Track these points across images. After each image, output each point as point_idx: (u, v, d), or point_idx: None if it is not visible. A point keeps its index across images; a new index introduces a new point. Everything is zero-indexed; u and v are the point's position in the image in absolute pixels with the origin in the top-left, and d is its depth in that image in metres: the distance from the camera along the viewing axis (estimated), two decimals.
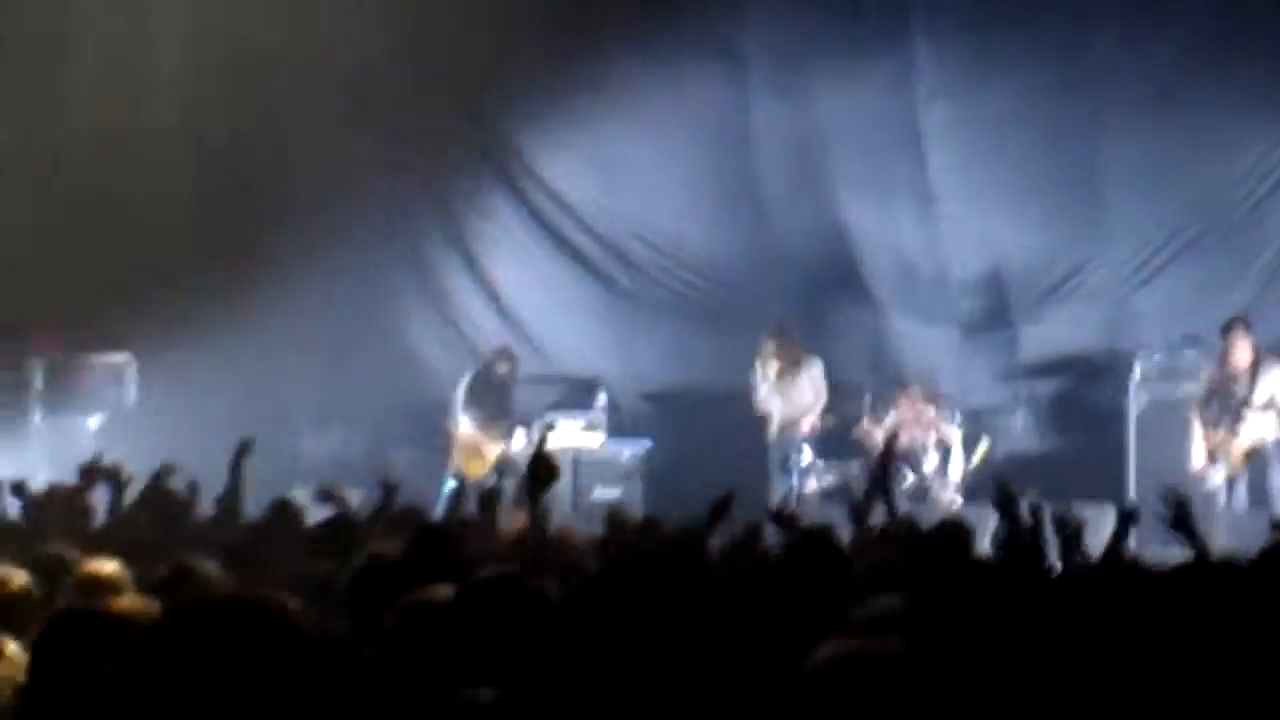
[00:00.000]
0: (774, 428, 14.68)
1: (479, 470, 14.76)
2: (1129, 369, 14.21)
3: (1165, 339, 14.35)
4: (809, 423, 14.62)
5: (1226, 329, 13.41)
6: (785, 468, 14.52)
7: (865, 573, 6.90)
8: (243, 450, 9.23)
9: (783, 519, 8.28)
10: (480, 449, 14.91)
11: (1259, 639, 4.20)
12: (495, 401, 15.09)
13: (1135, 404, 14.01)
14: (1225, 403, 13.36)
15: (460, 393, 15.08)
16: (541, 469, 6.78)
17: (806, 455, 14.56)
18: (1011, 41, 14.83)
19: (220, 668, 2.60)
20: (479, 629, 3.92)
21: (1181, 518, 7.15)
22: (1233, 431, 13.21)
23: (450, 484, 9.84)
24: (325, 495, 9.14)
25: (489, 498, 8.36)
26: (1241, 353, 13.31)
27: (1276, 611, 4.70)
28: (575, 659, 2.51)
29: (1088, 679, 4.06)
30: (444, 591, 4.31)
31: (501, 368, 15.21)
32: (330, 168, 15.94)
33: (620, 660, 2.47)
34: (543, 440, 8.42)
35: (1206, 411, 13.43)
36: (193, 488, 9.29)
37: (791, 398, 14.69)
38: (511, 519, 7.93)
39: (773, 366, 14.71)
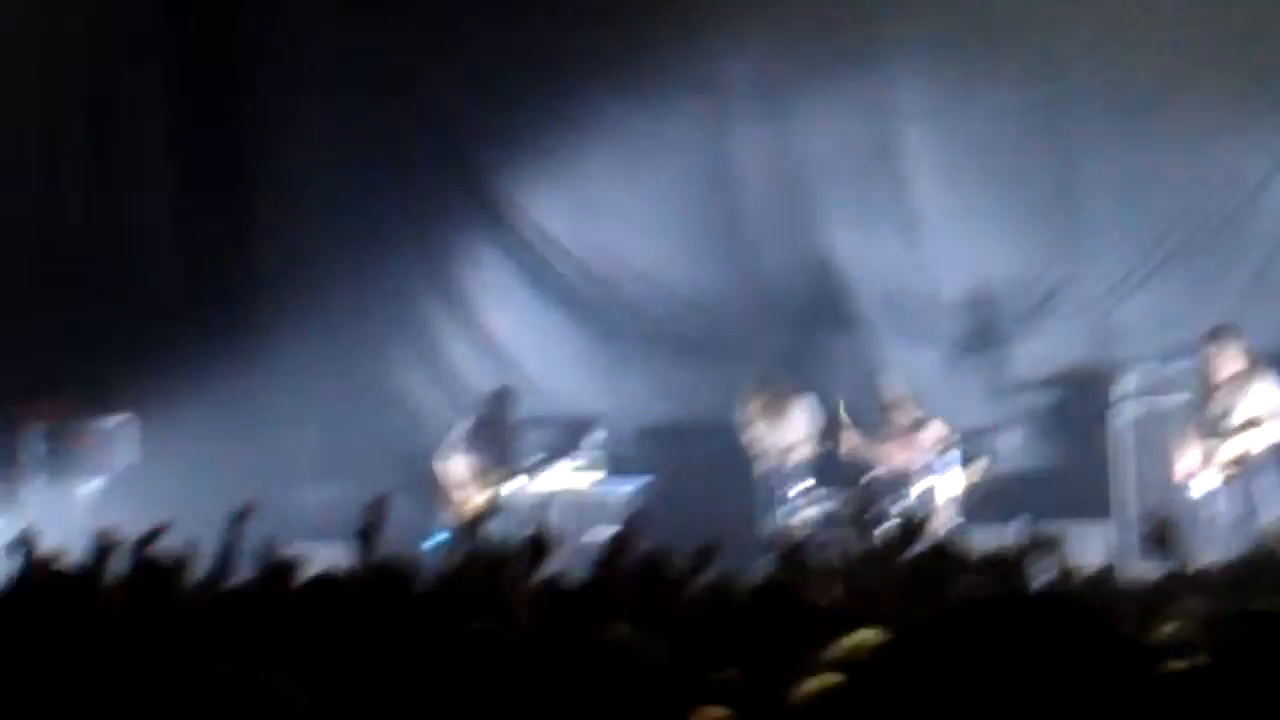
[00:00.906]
0: (764, 464, 14.72)
1: (471, 516, 14.81)
2: (1115, 383, 14.29)
3: (1151, 352, 14.41)
4: (801, 454, 14.66)
5: (1208, 338, 13.37)
6: (777, 499, 14.58)
7: (851, 600, 7.04)
8: (241, 515, 9.31)
9: (777, 547, 8.43)
10: (473, 491, 14.93)
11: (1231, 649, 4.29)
12: (496, 447, 15.11)
13: (1120, 418, 14.08)
14: (1213, 411, 13.37)
15: (457, 435, 15.11)
16: (536, 550, 7.08)
17: (802, 484, 14.62)
18: (986, 62, 14.97)
19: None
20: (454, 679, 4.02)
21: (1162, 539, 7.27)
22: (1220, 440, 13.21)
23: (439, 535, 9.89)
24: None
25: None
26: (1225, 363, 13.27)
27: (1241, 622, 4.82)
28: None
29: (1069, 700, 4.14)
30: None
31: (501, 410, 15.26)
32: (323, 223, 16.08)
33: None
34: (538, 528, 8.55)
35: (1199, 419, 13.41)
36: (188, 552, 9.34)
37: (781, 436, 14.76)
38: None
39: (757, 413, 14.79)
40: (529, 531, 7.77)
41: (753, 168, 15.82)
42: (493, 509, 14.64)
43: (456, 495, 14.96)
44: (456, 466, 15.01)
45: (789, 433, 14.72)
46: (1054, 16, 14.91)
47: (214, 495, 14.49)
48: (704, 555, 7.80)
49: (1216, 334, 13.31)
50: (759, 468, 14.72)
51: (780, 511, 14.51)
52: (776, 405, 14.74)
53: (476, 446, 15.05)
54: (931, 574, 7.78)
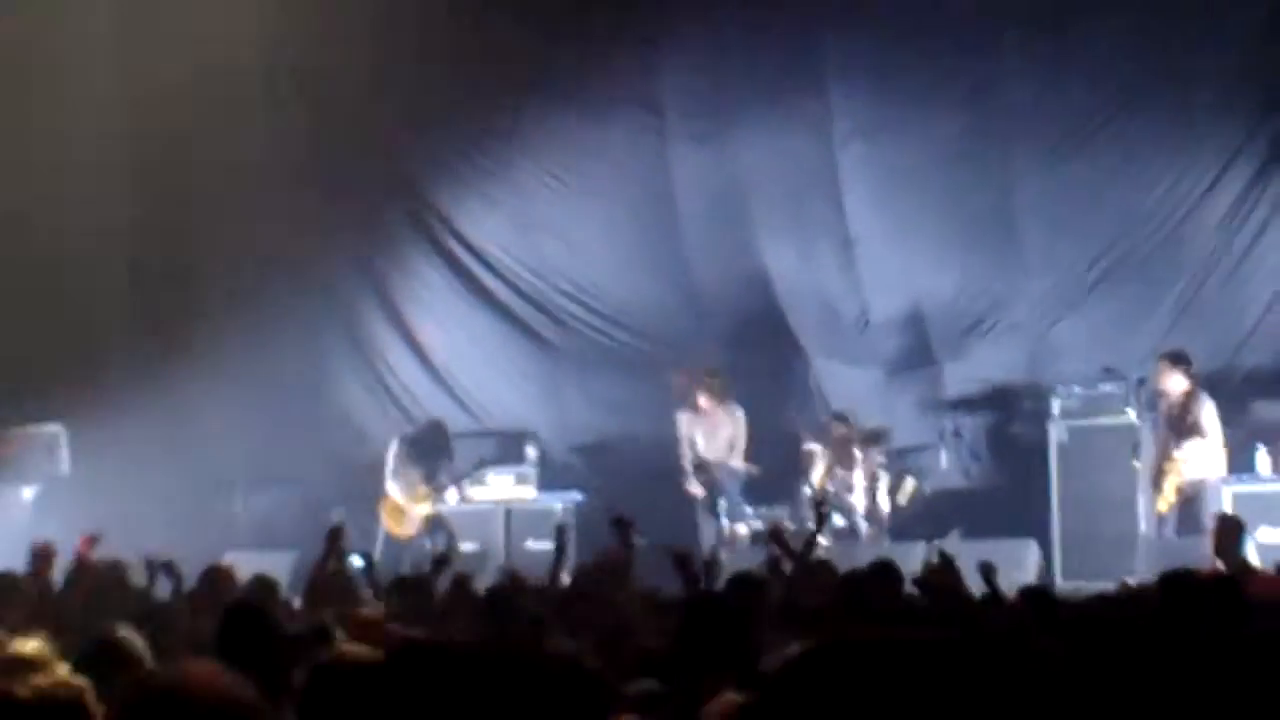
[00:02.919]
0: (692, 463, 14.74)
1: (406, 531, 14.84)
2: (1049, 402, 14.41)
3: (1084, 372, 14.53)
4: (735, 465, 14.71)
5: (1160, 360, 13.55)
6: (714, 512, 14.64)
7: (786, 614, 7.07)
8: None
9: (681, 563, 8.49)
10: (406, 511, 14.93)
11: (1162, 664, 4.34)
12: (426, 465, 15.11)
13: (1056, 436, 14.19)
14: (1155, 433, 13.49)
15: (390, 457, 15.12)
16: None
17: (736, 497, 14.70)
18: (924, 84, 15.05)
19: None
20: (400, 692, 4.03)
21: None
22: (1168, 462, 13.32)
23: (357, 560, 9.99)
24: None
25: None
26: (1172, 383, 13.44)
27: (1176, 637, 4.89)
28: None
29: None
30: (358, 652, 4.45)
31: (436, 435, 15.28)
32: (259, 234, 16.04)
33: None
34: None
35: (1146, 441, 13.53)
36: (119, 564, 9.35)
37: (714, 437, 14.79)
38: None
39: (696, 403, 14.82)
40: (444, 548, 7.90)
41: (690, 185, 15.87)
42: (429, 526, 14.68)
43: (389, 512, 14.97)
44: (390, 486, 15.00)
45: (721, 436, 14.75)
46: (991, 44, 15.00)
47: (147, 504, 14.51)
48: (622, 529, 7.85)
49: (1165, 357, 13.49)
50: (693, 480, 14.73)
51: (716, 525, 14.56)
52: (713, 404, 14.77)
53: (407, 466, 15.04)
54: (870, 589, 7.86)
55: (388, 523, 14.90)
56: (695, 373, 14.87)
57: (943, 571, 8.06)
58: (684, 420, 14.86)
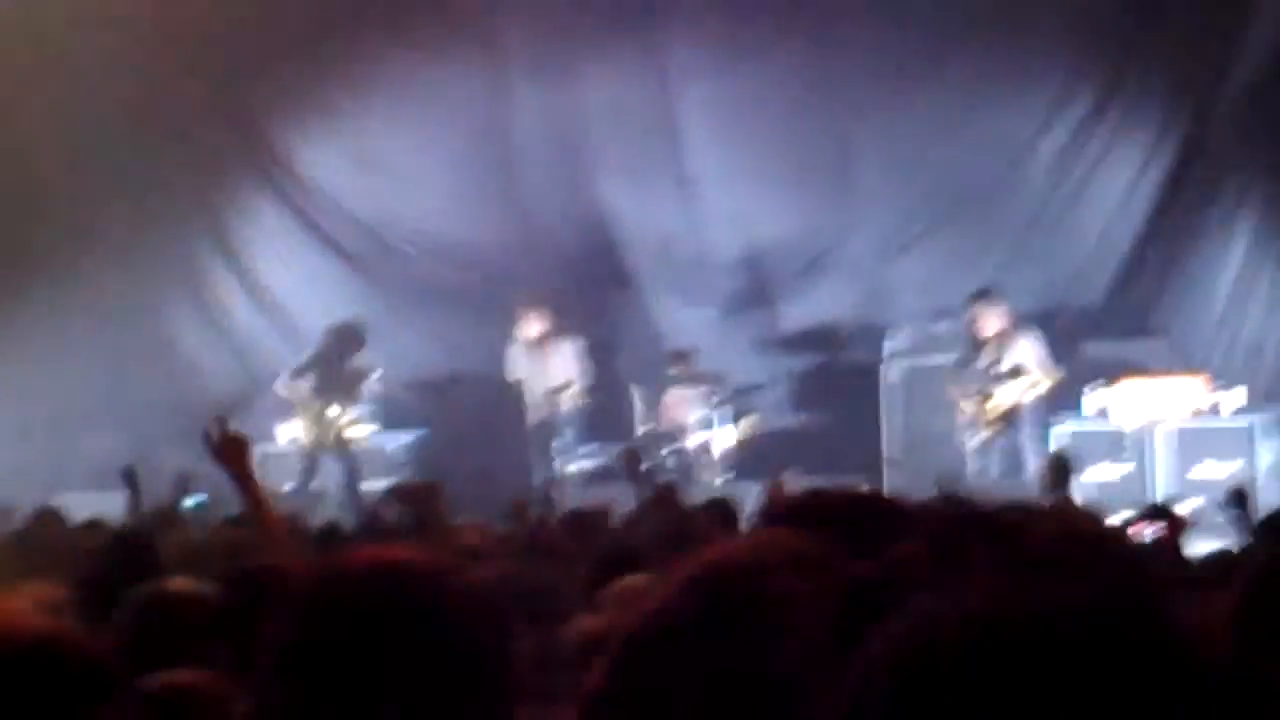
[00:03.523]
0: (529, 398, 14.72)
1: (322, 439, 14.67)
2: (883, 341, 14.59)
3: (918, 312, 14.73)
4: (570, 400, 14.73)
5: (973, 299, 13.79)
6: (548, 450, 14.64)
7: (628, 548, 7.12)
8: None
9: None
10: (319, 415, 14.71)
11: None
12: (331, 379, 14.87)
13: (889, 375, 14.39)
14: (976, 371, 13.74)
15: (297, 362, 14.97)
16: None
17: (573, 434, 14.73)
18: (763, 24, 15.11)
19: None
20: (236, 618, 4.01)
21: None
22: (984, 398, 13.60)
23: (198, 497, 9.93)
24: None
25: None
26: (990, 322, 13.69)
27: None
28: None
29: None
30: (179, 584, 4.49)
31: (339, 345, 15.05)
32: (97, 174, 15.76)
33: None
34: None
35: (960, 379, 13.79)
36: None
37: (549, 370, 14.77)
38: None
39: (531, 333, 14.79)
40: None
41: (529, 124, 15.83)
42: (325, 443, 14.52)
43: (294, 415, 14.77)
44: (290, 391, 14.80)
45: (556, 370, 14.75)
46: None
47: None
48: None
49: (980, 295, 13.74)
50: (530, 416, 14.71)
51: (554, 463, 14.58)
52: (548, 335, 14.76)
53: (309, 377, 14.84)
54: (705, 527, 7.92)
55: (306, 424, 14.72)
56: (535, 298, 14.84)
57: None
58: (512, 355, 14.82)
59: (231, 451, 5.14)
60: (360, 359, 14.85)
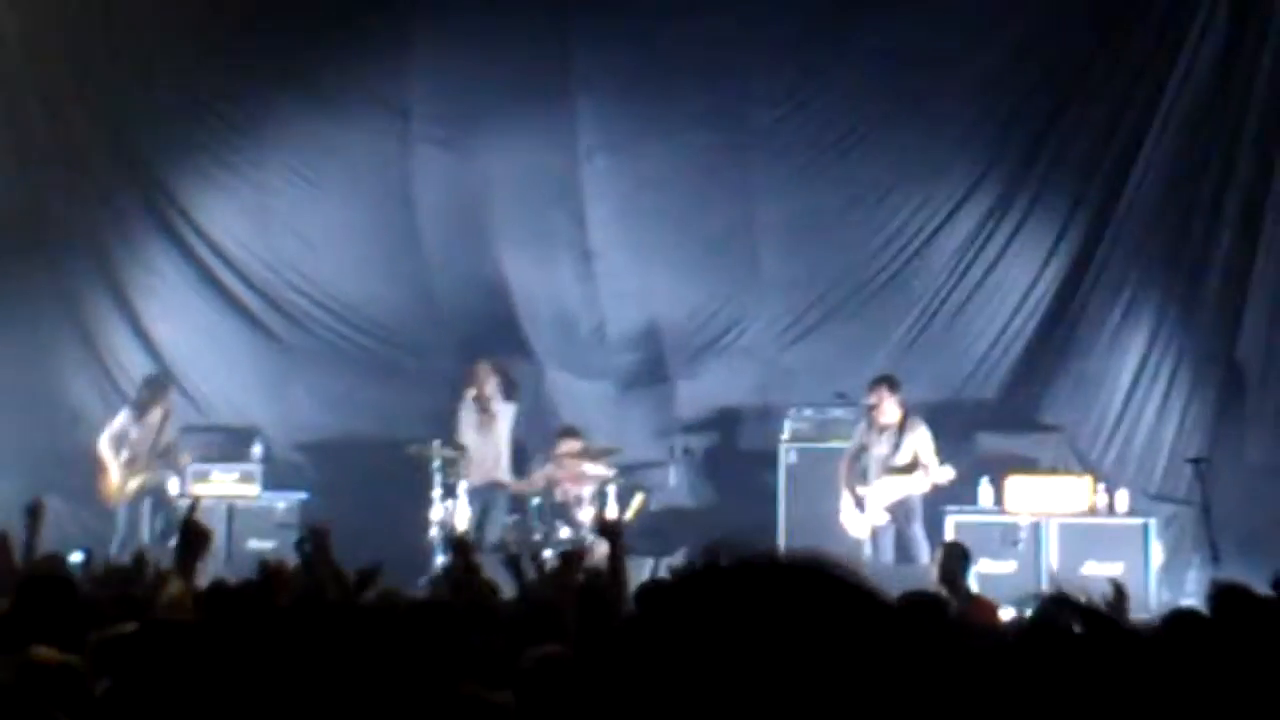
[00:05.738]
0: (470, 469, 14.56)
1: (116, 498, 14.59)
2: (780, 424, 14.57)
3: (815, 396, 14.73)
4: (504, 468, 14.68)
5: (877, 384, 13.81)
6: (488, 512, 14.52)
7: (524, 623, 7.00)
8: None
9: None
10: (122, 484, 14.62)
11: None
12: (149, 435, 14.76)
13: (785, 458, 14.37)
14: (871, 458, 13.76)
15: (115, 425, 14.81)
16: (193, 536, 6.95)
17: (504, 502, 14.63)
18: (671, 99, 15.14)
19: None
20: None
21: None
22: (880, 484, 13.60)
23: (80, 552, 9.80)
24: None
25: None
26: (887, 409, 13.71)
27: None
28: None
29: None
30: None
31: (155, 396, 14.93)
32: None
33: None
34: (193, 509, 8.41)
35: (855, 465, 13.81)
36: None
37: (492, 430, 14.69)
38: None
39: (487, 395, 14.70)
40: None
41: (432, 190, 15.73)
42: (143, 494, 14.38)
43: (107, 478, 14.65)
44: (107, 448, 14.67)
45: (498, 438, 14.64)
46: (741, 63, 15.14)
47: None
48: (367, 576, 7.71)
49: (883, 380, 13.78)
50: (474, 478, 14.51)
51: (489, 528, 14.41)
52: (498, 401, 14.68)
53: (130, 432, 14.71)
54: (599, 598, 7.81)
55: (106, 487, 14.60)
56: (491, 361, 14.75)
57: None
58: (464, 417, 14.70)
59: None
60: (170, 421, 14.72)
